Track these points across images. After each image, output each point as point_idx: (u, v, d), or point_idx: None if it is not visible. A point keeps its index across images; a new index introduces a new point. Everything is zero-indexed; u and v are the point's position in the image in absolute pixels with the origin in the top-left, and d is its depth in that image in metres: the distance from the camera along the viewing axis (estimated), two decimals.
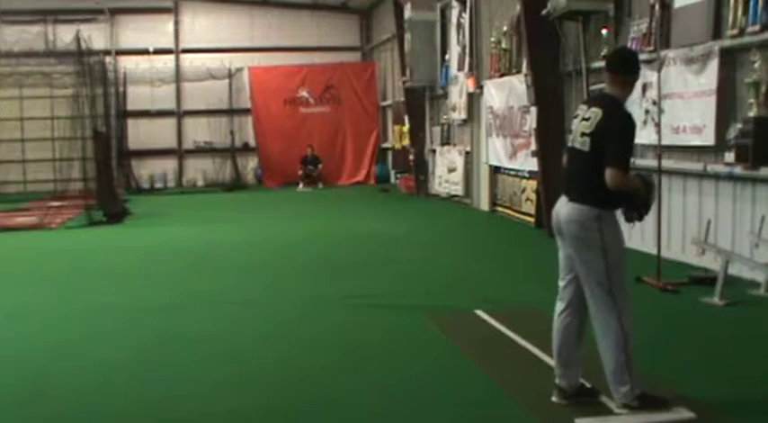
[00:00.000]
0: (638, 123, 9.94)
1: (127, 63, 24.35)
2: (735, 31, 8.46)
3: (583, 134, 4.69)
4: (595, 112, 4.67)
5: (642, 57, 9.90)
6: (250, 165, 25.33)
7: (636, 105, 10.06)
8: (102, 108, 18.87)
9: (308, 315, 7.60)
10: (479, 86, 16.03)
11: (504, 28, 14.40)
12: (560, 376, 4.89)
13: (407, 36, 18.99)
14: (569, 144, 4.85)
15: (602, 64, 11.01)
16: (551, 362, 5.36)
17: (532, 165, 12.92)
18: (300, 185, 22.83)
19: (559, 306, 4.90)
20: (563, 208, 4.78)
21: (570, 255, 4.75)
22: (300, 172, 23.04)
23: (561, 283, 4.88)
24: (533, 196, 13.32)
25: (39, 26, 22.72)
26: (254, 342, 6.67)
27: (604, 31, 11.00)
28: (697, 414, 4.62)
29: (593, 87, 11.40)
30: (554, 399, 4.89)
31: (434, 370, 5.74)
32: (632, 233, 10.48)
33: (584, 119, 4.73)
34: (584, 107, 4.84)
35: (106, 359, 6.24)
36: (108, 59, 22.31)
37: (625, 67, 4.80)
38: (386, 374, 5.67)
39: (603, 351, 4.65)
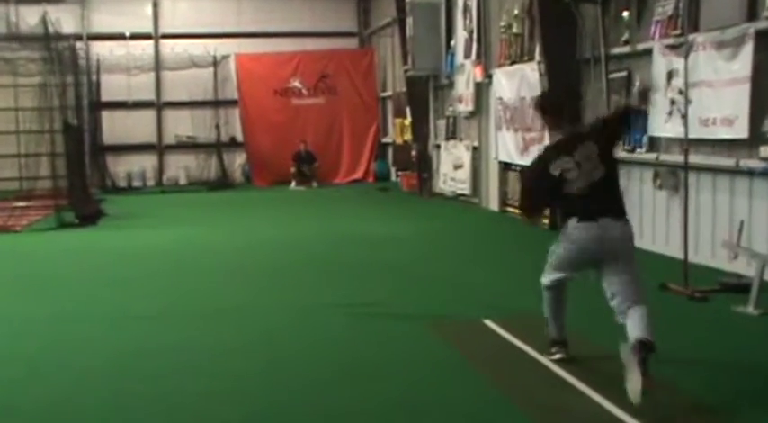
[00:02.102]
0: (663, 115, 10.06)
1: (100, 49, 24.27)
2: None
3: None
4: None
5: (667, 42, 9.95)
6: (237, 161, 25.31)
7: (660, 95, 10.06)
8: (74, 99, 18.86)
9: (300, 324, 7.59)
10: (488, 75, 16.01)
11: (516, 11, 14.40)
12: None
13: (409, 20, 18.97)
14: None
15: (623, 50, 11.08)
16: (565, 375, 5.39)
17: None
18: (293, 184, 22.83)
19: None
20: None
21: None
22: (293, 169, 23.05)
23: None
24: None
25: None
26: (241, 353, 6.65)
27: (625, 14, 10.99)
28: None
29: (612, 76, 11.41)
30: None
31: (439, 384, 5.73)
32: (656, 236, 10.50)
33: None
34: None
35: (79, 371, 6.22)
36: (79, 45, 22.29)
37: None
38: (386, 388, 5.66)
39: None
